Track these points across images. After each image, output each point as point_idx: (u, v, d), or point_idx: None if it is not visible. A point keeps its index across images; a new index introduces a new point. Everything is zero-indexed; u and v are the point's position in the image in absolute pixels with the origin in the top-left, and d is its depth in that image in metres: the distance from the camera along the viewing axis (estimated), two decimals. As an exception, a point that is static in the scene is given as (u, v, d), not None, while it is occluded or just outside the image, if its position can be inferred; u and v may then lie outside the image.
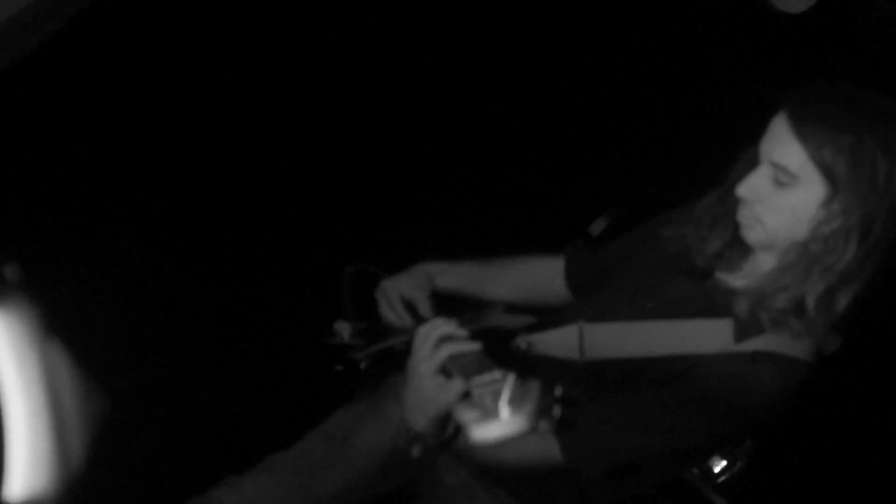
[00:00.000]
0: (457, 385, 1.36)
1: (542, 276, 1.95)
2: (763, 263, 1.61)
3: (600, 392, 1.61)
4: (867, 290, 1.52)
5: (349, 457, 1.78)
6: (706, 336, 1.55)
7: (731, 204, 1.61)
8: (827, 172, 1.46)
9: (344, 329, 1.82)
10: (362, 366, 1.77)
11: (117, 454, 2.31)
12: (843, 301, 1.50)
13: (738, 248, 1.64)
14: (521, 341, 1.65)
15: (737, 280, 1.63)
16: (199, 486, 1.78)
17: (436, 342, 1.41)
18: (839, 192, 1.46)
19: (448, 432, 1.46)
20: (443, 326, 1.43)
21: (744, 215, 1.57)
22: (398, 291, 1.84)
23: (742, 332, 1.53)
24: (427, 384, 1.40)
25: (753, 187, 1.53)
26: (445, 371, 1.39)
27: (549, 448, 1.53)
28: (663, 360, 1.57)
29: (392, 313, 1.83)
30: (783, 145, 1.49)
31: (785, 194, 1.51)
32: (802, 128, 1.46)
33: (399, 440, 1.51)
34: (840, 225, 1.47)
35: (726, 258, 1.65)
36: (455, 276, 1.91)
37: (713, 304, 1.58)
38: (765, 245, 1.58)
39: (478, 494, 1.69)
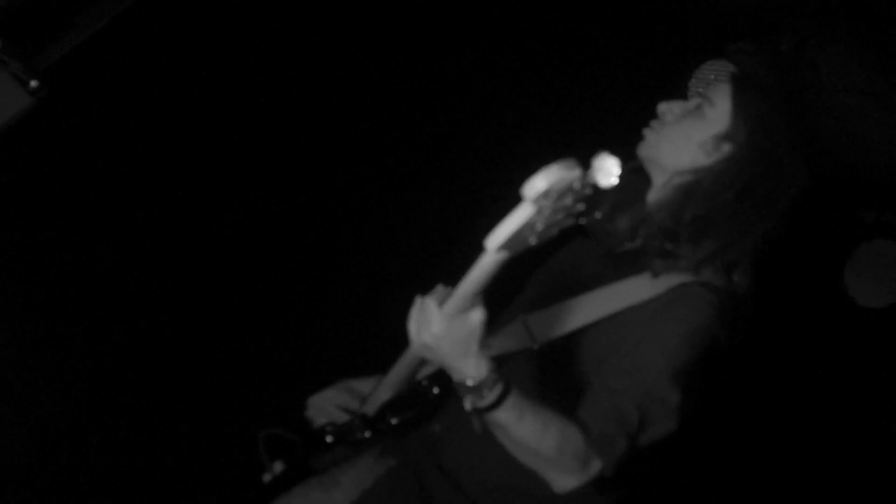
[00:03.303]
0: (476, 311, 1.48)
1: None
2: (653, 193, 1.79)
3: (563, 368, 1.74)
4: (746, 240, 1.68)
5: None
6: (632, 289, 1.69)
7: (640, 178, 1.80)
8: (736, 111, 1.68)
9: (276, 467, 1.83)
10: (328, 439, 1.82)
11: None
12: (714, 237, 1.67)
13: (637, 214, 1.78)
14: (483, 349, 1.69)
15: (636, 244, 1.77)
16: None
17: (434, 300, 1.50)
18: (735, 138, 1.68)
19: (494, 368, 1.51)
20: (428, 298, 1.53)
21: (648, 128, 1.78)
22: (327, 399, 1.94)
23: (657, 270, 1.68)
24: (452, 327, 1.47)
25: (671, 104, 1.78)
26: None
27: (569, 430, 1.55)
28: (604, 320, 1.69)
29: (325, 416, 1.91)
30: (716, 84, 1.74)
31: (691, 115, 1.75)
32: (738, 78, 1.71)
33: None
34: (726, 160, 1.68)
35: (629, 228, 1.78)
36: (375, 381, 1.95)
37: (628, 265, 1.74)
38: (652, 158, 1.78)
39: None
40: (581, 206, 1.32)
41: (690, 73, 1.82)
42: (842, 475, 2.79)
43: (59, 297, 2.92)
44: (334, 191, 3.17)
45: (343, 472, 1.96)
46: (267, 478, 1.81)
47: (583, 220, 1.35)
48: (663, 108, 1.79)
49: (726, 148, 1.71)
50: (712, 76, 1.80)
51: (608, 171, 1.31)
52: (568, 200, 1.30)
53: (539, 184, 1.26)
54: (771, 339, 2.79)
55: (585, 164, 1.30)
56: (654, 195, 1.80)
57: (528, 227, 1.32)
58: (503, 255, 1.39)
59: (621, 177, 1.83)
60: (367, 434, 1.78)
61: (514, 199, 1.30)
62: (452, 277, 1.50)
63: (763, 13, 2.43)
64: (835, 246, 2.80)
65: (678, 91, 1.85)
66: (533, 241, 1.35)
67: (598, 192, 1.32)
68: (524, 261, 1.58)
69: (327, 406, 1.92)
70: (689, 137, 1.74)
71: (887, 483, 2.74)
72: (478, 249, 1.34)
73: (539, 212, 1.29)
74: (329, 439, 1.80)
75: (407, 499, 1.85)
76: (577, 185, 1.29)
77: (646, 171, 1.83)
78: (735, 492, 2.82)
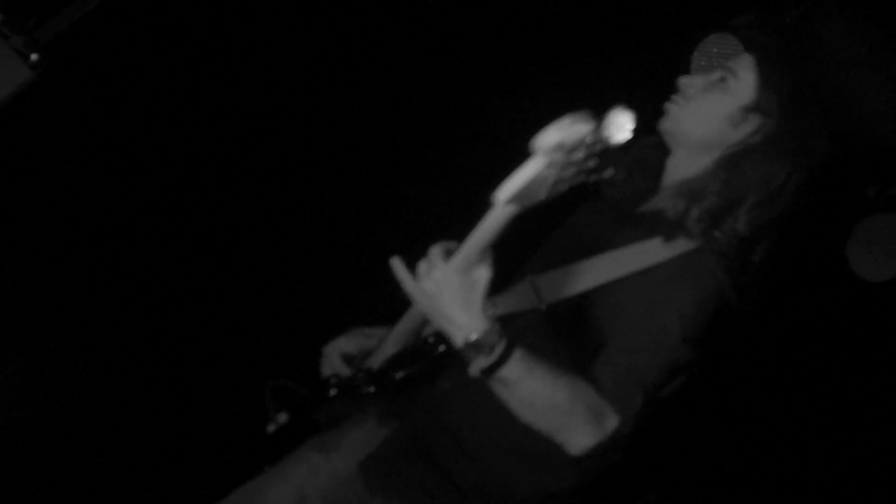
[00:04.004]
0: (482, 268, 1.48)
1: None
2: (675, 168, 1.79)
3: (573, 330, 1.72)
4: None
5: None
6: (645, 252, 1.68)
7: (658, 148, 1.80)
8: (763, 82, 1.68)
9: (281, 418, 1.84)
10: (332, 392, 1.82)
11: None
12: (739, 220, 1.66)
13: (653, 181, 1.81)
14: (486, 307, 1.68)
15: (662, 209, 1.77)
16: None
17: (440, 252, 1.51)
18: (763, 109, 1.67)
19: (496, 322, 1.51)
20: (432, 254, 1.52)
21: (671, 104, 1.76)
22: (340, 347, 1.94)
23: (669, 234, 1.67)
24: (456, 280, 1.47)
25: (692, 78, 1.75)
26: None
27: (580, 385, 1.56)
28: (616, 283, 1.68)
29: (333, 368, 1.92)
30: (740, 56, 1.72)
31: (715, 87, 1.72)
32: (762, 51, 1.71)
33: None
34: (763, 137, 1.67)
35: (663, 194, 1.79)
36: (387, 332, 1.95)
37: (642, 228, 1.73)
38: (677, 132, 1.76)
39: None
40: (593, 163, 1.30)
41: (693, 47, 1.81)
42: (846, 456, 2.80)
43: (54, 274, 2.93)
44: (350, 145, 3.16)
45: (344, 436, 1.94)
46: (271, 428, 1.80)
47: (594, 178, 1.32)
48: (685, 81, 1.76)
49: (755, 119, 1.70)
50: (715, 49, 1.79)
51: (622, 125, 1.30)
52: (580, 155, 1.28)
53: (551, 136, 1.26)
54: (775, 316, 2.80)
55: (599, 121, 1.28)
56: (681, 171, 1.77)
57: (538, 180, 1.30)
58: (512, 209, 1.37)
59: (641, 150, 1.84)
60: (372, 388, 1.76)
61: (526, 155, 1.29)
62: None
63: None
64: (838, 220, 2.79)
65: (681, 65, 1.83)
66: (543, 195, 1.33)
67: (609, 149, 1.31)
68: (538, 224, 1.58)
69: (337, 357, 1.91)
70: (714, 110, 1.72)
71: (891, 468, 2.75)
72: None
73: (550, 165, 1.28)
74: (333, 392, 1.79)
75: (413, 460, 1.83)
76: (589, 140, 1.27)
77: (665, 145, 1.81)
78: (737, 476, 2.83)
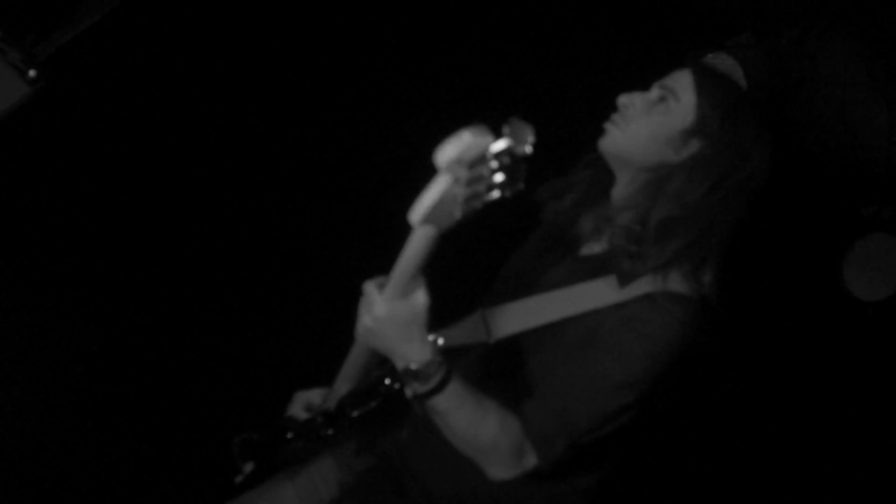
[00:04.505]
0: (419, 294, 1.47)
1: None
2: (617, 193, 1.72)
3: (518, 366, 1.71)
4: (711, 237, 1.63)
5: None
6: (595, 293, 1.65)
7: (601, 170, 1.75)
8: (703, 104, 1.63)
9: (247, 468, 1.84)
10: (289, 435, 1.81)
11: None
12: (682, 236, 1.60)
13: (601, 214, 1.75)
14: (430, 337, 1.64)
15: (599, 244, 1.74)
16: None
17: (374, 284, 1.51)
18: (704, 132, 1.62)
19: (438, 353, 1.51)
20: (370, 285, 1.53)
21: (610, 122, 1.70)
22: (305, 398, 1.92)
23: (624, 278, 1.62)
24: (394, 311, 1.47)
25: (632, 97, 1.69)
26: None
27: (508, 422, 1.57)
28: (564, 322, 1.66)
29: (292, 412, 1.91)
30: (676, 74, 1.68)
31: (655, 109, 1.67)
32: (700, 69, 1.67)
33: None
34: (693, 157, 1.62)
35: (593, 228, 1.77)
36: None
37: (592, 268, 1.69)
38: (616, 155, 1.70)
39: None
40: (501, 177, 1.26)
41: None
42: (839, 469, 2.80)
43: (49, 283, 2.93)
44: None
45: (317, 470, 1.94)
46: (239, 479, 1.81)
47: (508, 192, 1.28)
48: (624, 100, 1.69)
49: (695, 143, 1.64)
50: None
51: (521, 137, 1.25)
52: (485, 170, 1.25)
53: (449, 150, 1.23)
54: (770, 333, 2.80)
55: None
56: (618, 192, 1.72)
57: (448, 198, 1.28)
58: (431, 231, 1.36)
59: (584, 171, 1.83)
60: (330, 431, 1.76)
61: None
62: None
63: (764, 6, 2.42)
64: (834, 240, 2.80)
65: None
66: (458, 214, 1.30)
67: (518, 162, 1.26)
68: (493, 256, 1.56)
69: (300, 402, 1.91)
70: (656, 134, 1.66)
71: (887, 477, 2.75)
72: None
73: (456, 181, 1.25)
74: (290, 435, 1.79)
75: (388, 498, 1.85)
76: (490, 153, 1.24)
77: (607, 165, 1.75)
78: (731, 488, 2.83)
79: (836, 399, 2.84)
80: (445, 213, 1.31)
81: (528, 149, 1.25)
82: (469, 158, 1.23)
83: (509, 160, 1.25)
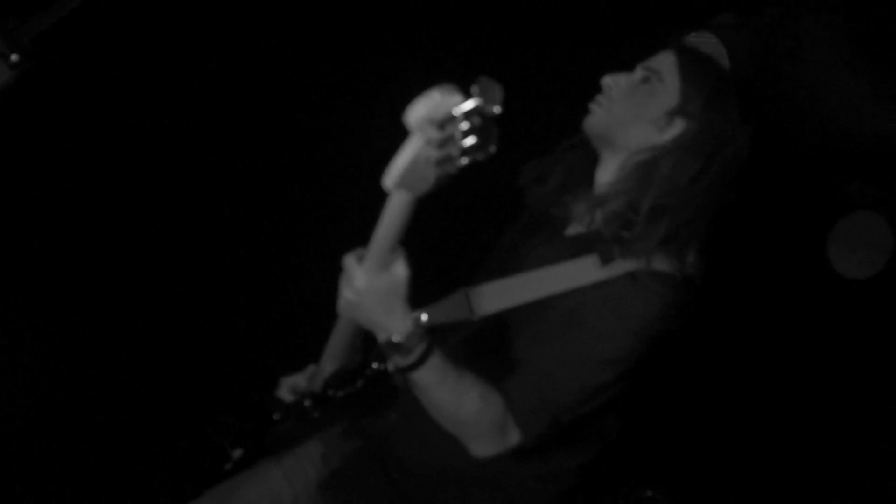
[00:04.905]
0: (399, 266, 1.48)
1: None
2: (603, 175, 1.75)
3: (502, 343, 1.74)
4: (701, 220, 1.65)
5: None
6: (579, 271, 1.66)
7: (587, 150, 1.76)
8: (686, 85, 1.65)
9: (236, 454, 1.84)
10: (275, 416, 1.81)
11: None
12: (671, 221, 1.61)
13: (590, 199, 1.77)
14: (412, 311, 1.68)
15: (585, 225, 1.76)
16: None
17: (354, 257, 1.51)
18: (688, 113, 1.64)
19: (420, 327, 1.52)
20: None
21: (594, 103, 1.72)
22: (291, 382, 1.94)
23: (605, 256, 1.63)
24: (374, 282, 1.47)
25: (616, 78, 1.71)
26: None
27: (491, 398, 1.58)
28: (548, 300, 1.68)
29: (279, 394, 1.94)
30: (660, 55, 1.71)
31: (640, 90, 1.69)
32: (684, 50, 1.70)
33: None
34: (680, 136, 1.65)
35: (582, 212, 1.78)
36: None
37: (577, 247, 1.71)
38: (600, 135, 1.72)
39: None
40: (473, 140, 1.26)
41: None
42: (825, 451, 2.82)
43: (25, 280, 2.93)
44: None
45: (305, 453, 1.96)
46: (228, 466, 1.82)
47: (480, 156, 1.28)
48: (609, 81, 1.73)
49: (680, 123, 1.68)
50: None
51: (491, 96, 1.24)
52: (455, 131, 1.24)
53: (419, 109, 1.23)
54: (757, 313, 2.81)
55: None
56: (607, 177, 1.75)
57: (421, 160, 1.27)
58: (407, 196, 1.35)
59: (567, 153, 1.83)
60: (316, 413, 1.77)
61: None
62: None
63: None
64: (817, 217, 2.81)
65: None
66: (432, 178, 1.30)
67: (489, 123, 1.26)
68: (476, 241, 1.55)
69: (287, 386, 1.93)
70: (640, 114, 1.69)
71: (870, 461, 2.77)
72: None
73: (428, 143, 1.25)
74: (276, 417, 1.79)
75: (374, 479, 1.87)
76: (460, 111, 1.23)
77: (590, 147, 1.78)
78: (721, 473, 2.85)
79: (823, 377, 2.86)
80: (420, 177, 1.31)
81: (498, 108, 1.25)
82: (439, 117, 1.23)
83: (480, 121, 1.25)
